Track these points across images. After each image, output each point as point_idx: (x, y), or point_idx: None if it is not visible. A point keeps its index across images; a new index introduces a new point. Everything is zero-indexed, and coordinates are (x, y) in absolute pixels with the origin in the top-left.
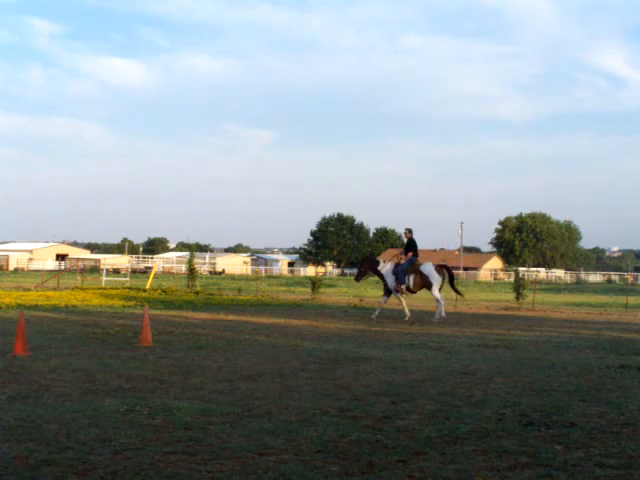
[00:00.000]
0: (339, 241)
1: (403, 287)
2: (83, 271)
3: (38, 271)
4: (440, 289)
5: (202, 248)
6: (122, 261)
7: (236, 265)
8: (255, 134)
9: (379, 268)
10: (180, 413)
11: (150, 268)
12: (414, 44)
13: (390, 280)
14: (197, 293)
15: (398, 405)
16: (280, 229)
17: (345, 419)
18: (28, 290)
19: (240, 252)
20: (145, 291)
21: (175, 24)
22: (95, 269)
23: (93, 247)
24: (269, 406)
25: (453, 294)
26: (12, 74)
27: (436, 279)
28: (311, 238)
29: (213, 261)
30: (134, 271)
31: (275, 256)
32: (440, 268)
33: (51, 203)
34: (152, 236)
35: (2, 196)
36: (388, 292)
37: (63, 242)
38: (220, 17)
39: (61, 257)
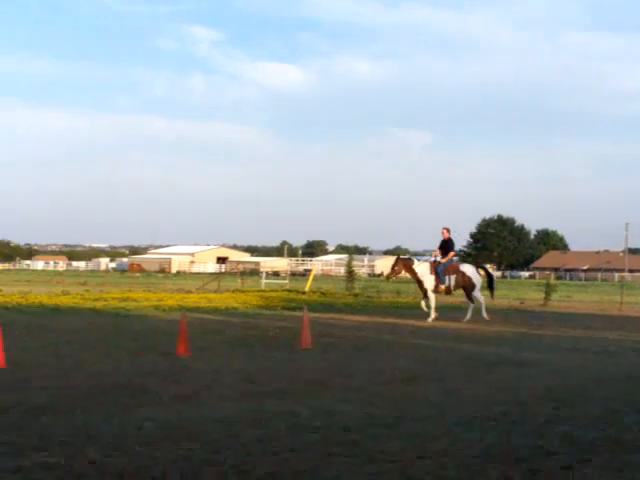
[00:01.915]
0: (499, 243)
1: (443, 287)
2: (243, 274)
3: (199, 274)
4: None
5: (361, 250)
6: (281, 264)
7: None
8: (413, 135)
9: (414, 267)
10: (340, 415)
11: (309, 271)
12: (576, 41)
13: (428, 280)
14: (356, 295)
15: (560, 410)
16: (438, 230)
17: (505, 424)
18: (190, 292)
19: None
20: (304, 293)
21: (333, 28)
22: (255, 272)
23: (253, 250)
24: (428, 410)
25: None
26: (175, 81)
27: (478, 280)
28: (470, 240)
29: (372, 263)
30: (293, 274)
31: (433, 258)
32: (479, 269)
33: (212, 207)
34: (311, 239)
35: (165, 201)
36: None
37: (223, 245)
38: (378, 19)
39: (221, 260)
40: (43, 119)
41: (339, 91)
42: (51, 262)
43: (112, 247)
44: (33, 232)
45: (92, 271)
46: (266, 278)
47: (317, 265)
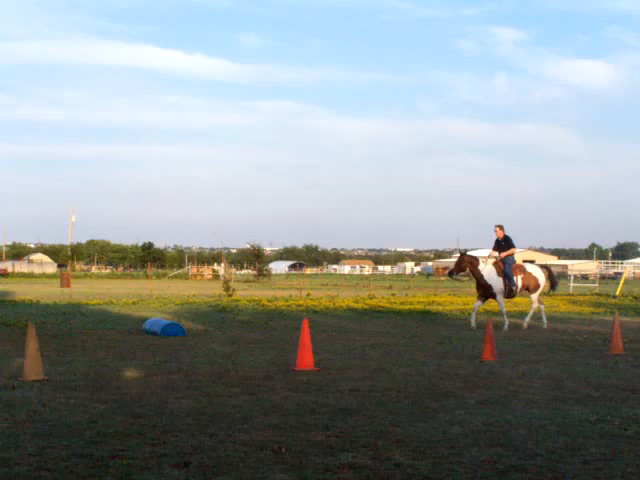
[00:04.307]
0: None
1: (515, 289)
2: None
3: None
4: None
5: None
6: (590, 267)
7: None
8: None
9: (480, 268)
10: None
11: (620, 274)
12: None
13: (496, 282)
14: None
15: None
16: None
17: None
18: None
19: None
20: (615, 297)
21: None
22: (562, 275)
23: (560, 253)
24: None
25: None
26: (478, 83)
27: (543, 281)
28: None
29: None
30: (603, 277)
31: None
32: (543, 268)
33: (514, 209)
34: (622, 241)
35: (468, 204)
36: (485, 297)
37: (529, 248)
38: None
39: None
40: (349, 126)
41: None
42: (357, 266)
43: (417, 251)
44: (340, 237)
45: (397, 275)
46: (574, 281)
47: (629, 268)
